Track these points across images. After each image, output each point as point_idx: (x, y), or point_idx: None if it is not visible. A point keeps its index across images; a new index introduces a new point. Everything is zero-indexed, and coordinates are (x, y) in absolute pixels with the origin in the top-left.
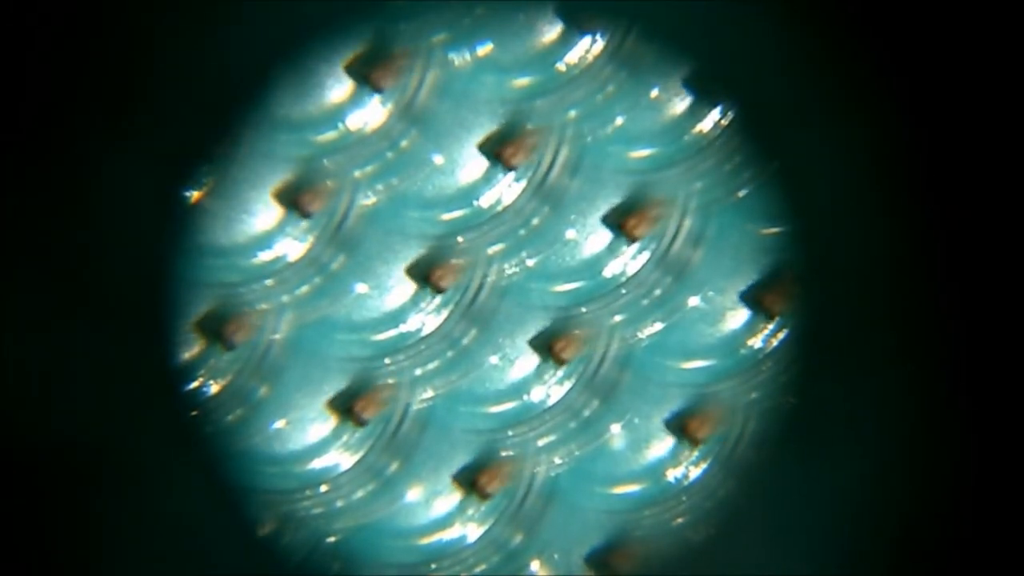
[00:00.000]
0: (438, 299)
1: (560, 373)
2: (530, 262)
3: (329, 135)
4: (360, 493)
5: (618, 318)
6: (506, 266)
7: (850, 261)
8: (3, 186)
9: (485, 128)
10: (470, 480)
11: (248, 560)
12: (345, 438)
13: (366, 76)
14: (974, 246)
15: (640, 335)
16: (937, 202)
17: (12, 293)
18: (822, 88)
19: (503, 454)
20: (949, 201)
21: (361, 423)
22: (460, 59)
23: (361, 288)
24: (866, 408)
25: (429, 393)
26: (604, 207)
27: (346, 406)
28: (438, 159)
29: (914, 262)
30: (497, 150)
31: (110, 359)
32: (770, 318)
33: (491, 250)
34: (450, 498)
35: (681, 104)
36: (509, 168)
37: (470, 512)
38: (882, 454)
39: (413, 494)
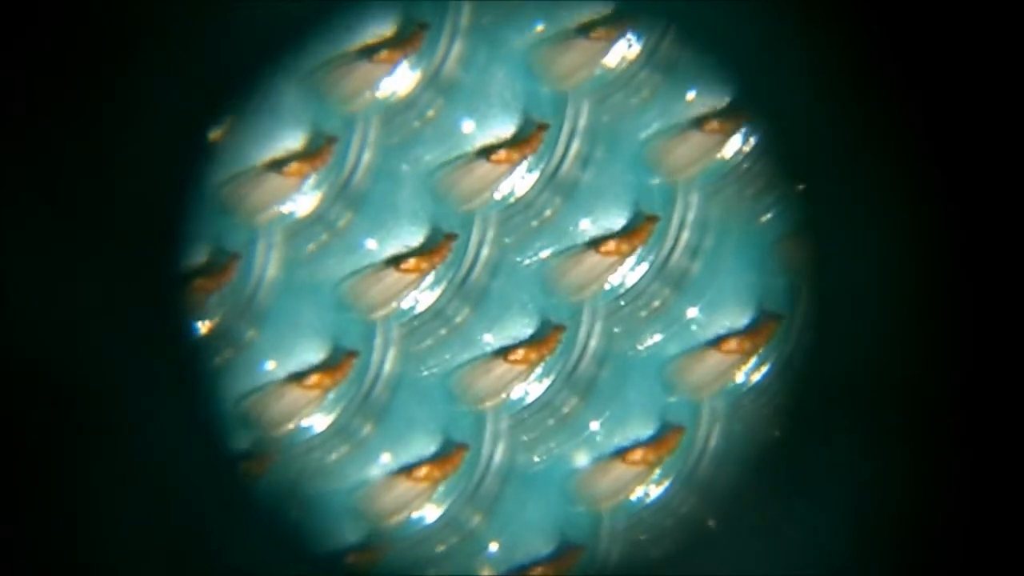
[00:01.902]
0: (431, 276)
1: (539, 370)
2: (530, 259)
3: (353, 105)
4: (334, 456)
5: (616, 329)
6: (507, 259)
7: (854, 306)
8: (33, 109)
9: (500, 120)
10: (431, 463)
11: (223, 504)
12: (320, 402)
13: (393, 47)
14: (986, 317)
15: (639, 347)
16: (958, 268)
17: (15, 211)
18: (851, 130)
19: (467, 441)
20: (969, 269)
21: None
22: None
23: (371, 244)
24: (848, 460)
25: (398, 366)
26: (605, 215)
27: (324, 370)
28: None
29: (923, 324)
30: (511, 143)
31: (106, 288)
32: (752, 354)
33: (489, 233)
34: (413, 477)
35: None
36: (522, 159)
37: (431, 494)
38: (864, 510)
39: (379, 471)
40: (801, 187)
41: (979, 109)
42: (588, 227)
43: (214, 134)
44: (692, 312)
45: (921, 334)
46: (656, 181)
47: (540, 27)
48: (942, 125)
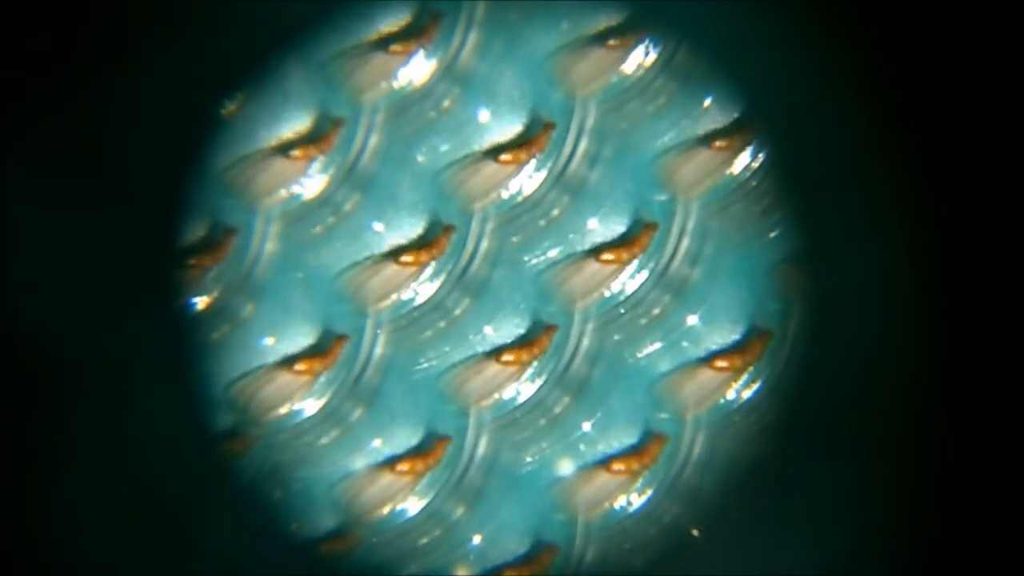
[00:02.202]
0: (429, 269)
1: (531, 370)
2: (537, 259)
3: (368, 94)
4: (323, 440)
5: (616, 337)
6: (520, 258)
7: (851, 320)
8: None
9: (513, 115)
10: (415, 455)
11: (210, 485)
12: (311, 386)
13: (409, 37)
14: (985, 332)
15: (639, 354)
16: (958, 283)
17: (15, 183)
18: (857, 142)
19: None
20: (970, 283)
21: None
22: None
23: (378, 227)
24: (840, 477)
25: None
26: (609, 220)
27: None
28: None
29: (921, 339)
30: (522, 138)
31: (104, 259)
32: (743, 371)
33: (488, 228)
34: (397, 470)
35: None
36: (531, 156)
37: (414, 487)
38: (854, 527)
39: (365, 460)
40: (801, 205)
41: (984, 123)
42: (595, 227)
43: (223, 113)
44: (692, 320)
45: (919, 349)
46: (662, 191)
47: (559, 29)
48: (945, 140)
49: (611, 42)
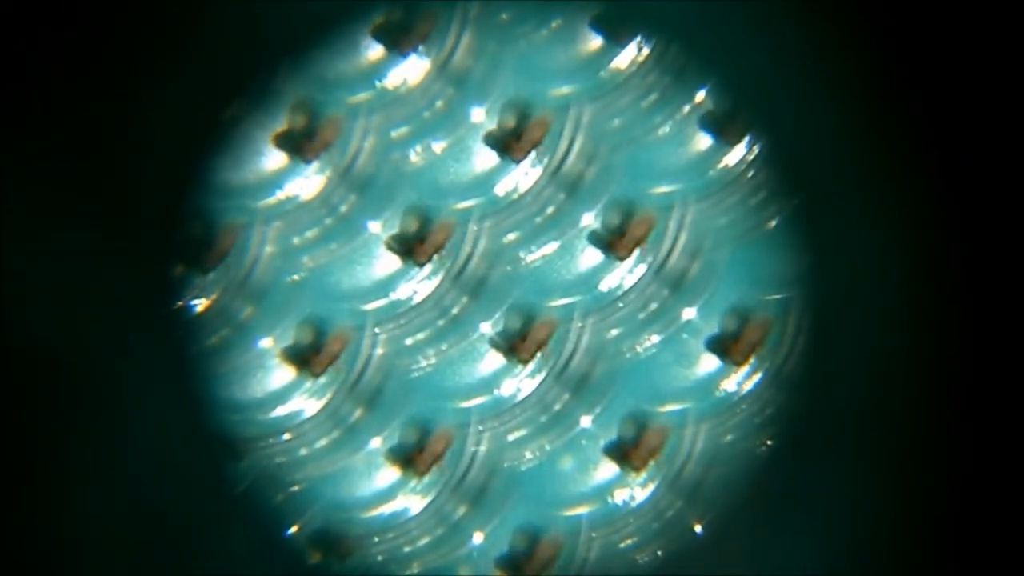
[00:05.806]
0: (427, 268)
1: (531, 367)
2: (532, 254)
3: (362, 95)
4: (323, 441)
5: (614, 332)
6: (517, 255)
7: (852, 316)
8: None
9: (507, 113)
10: (416, 453)
11: (207, 489)
12: (311, 387)
13: (397, 40)
14: (991, 333)
15: (638, 348)
16: (962, 280)
17: (13, 189)
18: (855, 138)
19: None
20: (974, 280)
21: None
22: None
23: (374, 226)
24: (840, 476)
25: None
26: (605, 215)
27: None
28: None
29: (923, 339)
30: (511, 139)
31: (101, 264)
32: (743, 363)
33: (484, 225)
34: (398, 468)
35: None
36: (524, 155)
37: (411, 484)
38: (854, 527)
39: (365, 458)
40: (799, 198)
41: (988, 117)
42: (592, 223)
43: (220, 118)
44: (690, 314)
45: (921, 350)
46: (658, 185)
47: (551, 27)
48: (948, 133)
49: (604, 38)
